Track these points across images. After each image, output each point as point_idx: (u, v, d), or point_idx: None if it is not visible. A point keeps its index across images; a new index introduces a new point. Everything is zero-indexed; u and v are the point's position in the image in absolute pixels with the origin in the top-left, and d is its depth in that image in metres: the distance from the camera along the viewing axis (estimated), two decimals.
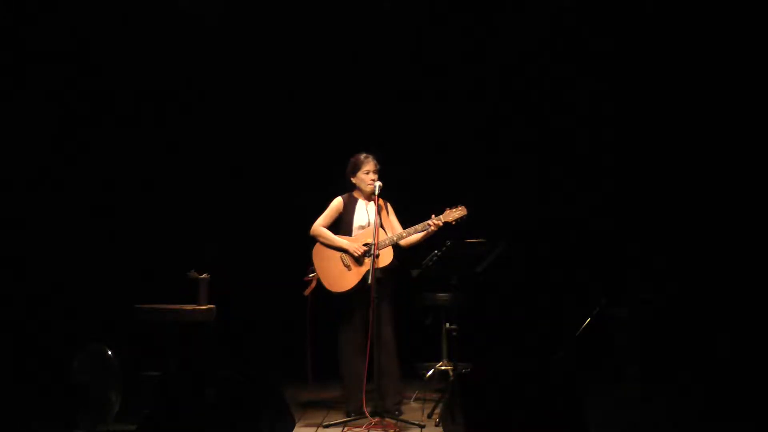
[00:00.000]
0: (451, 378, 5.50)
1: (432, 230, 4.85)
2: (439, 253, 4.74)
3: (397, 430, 4.64)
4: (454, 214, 4.82)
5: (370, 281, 4.68)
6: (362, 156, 5.06)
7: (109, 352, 4.76)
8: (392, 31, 6.59)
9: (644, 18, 6.29)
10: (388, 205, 5.18)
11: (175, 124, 6.59)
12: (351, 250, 4.93)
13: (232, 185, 6.71)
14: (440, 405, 4.94)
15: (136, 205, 6.45)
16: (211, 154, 6.71)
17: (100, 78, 6.35)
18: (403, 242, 4.98)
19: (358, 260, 4.90)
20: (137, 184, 6.49)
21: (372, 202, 5.02)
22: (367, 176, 5.02)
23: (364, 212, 5.06)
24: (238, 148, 6.73)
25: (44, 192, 6.15)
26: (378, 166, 5.05)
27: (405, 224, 5.01)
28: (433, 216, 4.84)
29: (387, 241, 4.88)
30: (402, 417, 4.88)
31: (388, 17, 6.51)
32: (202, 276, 5.42)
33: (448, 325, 5.63)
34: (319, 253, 5.04)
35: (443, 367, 5.80)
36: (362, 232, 4.99)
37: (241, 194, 6.70)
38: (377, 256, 4.79)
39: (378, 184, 4.95)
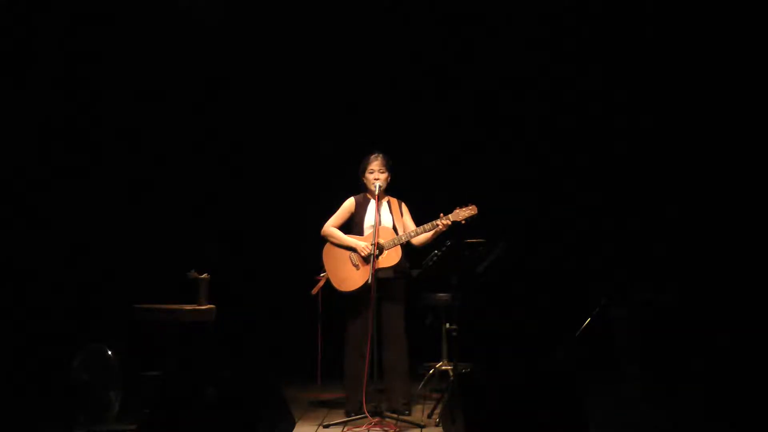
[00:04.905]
0: (451, 378, 5.51)
1: (440, 229, 4.84)
2: (439, 253, 4.74)
3: (398, 430, 4.63)
4: (463, 213, 4.80)
5: (369, 281, 4.69)
6: (369, 156, 5.06)
7: (109, 352, 4.75)
8: (398, 30, 6.61)
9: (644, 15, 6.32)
10: (403, 204, 5.18)
11: (174, 123, 6.60)
12: (358, 249, 4.94)
13: (232, 185, 6.72)
14: (440, 405, 4.94)
15: (136, 205, 6.45)
16: (211, 153, 6.72)
17: (100, 78, 6.35)
18: (414, 241, 4.99)
19: (366, 259, 4.90)
20: (137, 184, 6.49)
21: (384, 202, 5.06)
22: (371, 176, 5.02)
23: (375, 212, 5.05)
24: (239, 147, 6.74)
25: (44, 193, 6.15)
26: (385, 164, 5.03)
27: (420, 224, 4.99)
28: (441, 215, 4.83)
29: (395, 241, 4.89)
30: (405, 417, 4.89)
31: (396, 16, 6.53)
32: (202, 276, 5.42)
33: (448, 325, 5.64)
34: (328, 253, 5.06)
35: (443, 367, 5.80)
36: (372, 231, 4.98)
37: (242, 194, 6.71)
38: (378, 256, 4.81)
39: (378, 184, 4.96)
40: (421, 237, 4.96)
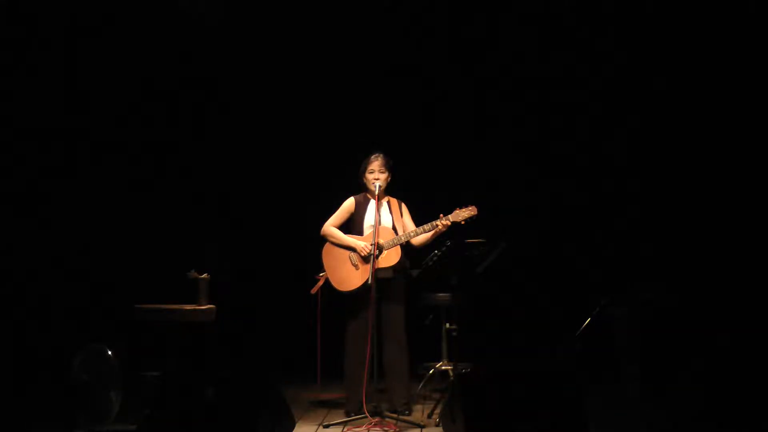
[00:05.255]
0: (451, 378, 5.50)
1: (440, 230, 4.84)
2: (438, 253, 4.74)
3: (398, 430, 4.64)
4: (463, 213, 4.81)
5: (369, 281, 4.70)
6: (369, 156, 5.07)
7: (109, 352, 4.76)
8: (398, 30, 6.60)
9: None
10: (403, 205, 5.19)
11: (174, 123, 6.60)
12: (358, 249, 4.94)
13: (232, 184, 6.71)
14: (440, 405, 4.94)
15: (136, 205, 6.45)
16: (211, 153, 6.71)
17: (99, 79, 6.35)
18: (414, 242, 4.99)
19: (366, 259, 4.90)
20: (137, 184, 6.49)
21: (384, 202, 5.06)
22: (371, 176, 5.03)
23: (375, 212, 5.05)
24: (239, 147, 6.73)
25: (44, 192, 6.15)
26: (385, 165, 5.03)
27: (419, 224, 4.99)
28: (441, 216, 4.84)
29: (394, 241, 4.89)
30: (405, 417, 4.89)
31: (397, 16, 6.53)
32: (202, 276, 5.42)
33: (448, 325, 5.64)
34: (328, 253, 5.06)
35: (443, 367, 5.80)
36: (372, 231, 4.98)
37: (242, 194, 6.70)
38: (378, 256, 4.81)
39: (378, 184, 4.96)
40: (421, 237, 4.96)
